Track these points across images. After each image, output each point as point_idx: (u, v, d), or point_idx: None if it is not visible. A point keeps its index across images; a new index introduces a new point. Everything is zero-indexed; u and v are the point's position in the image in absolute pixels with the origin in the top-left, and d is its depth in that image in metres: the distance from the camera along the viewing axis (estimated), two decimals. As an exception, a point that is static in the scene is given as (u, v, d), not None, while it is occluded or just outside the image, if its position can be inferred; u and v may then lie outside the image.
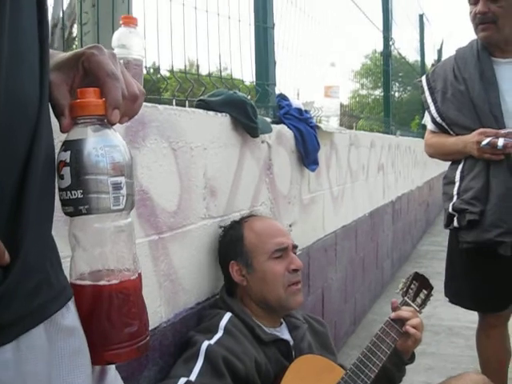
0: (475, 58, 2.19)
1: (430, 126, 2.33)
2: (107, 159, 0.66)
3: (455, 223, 2.18)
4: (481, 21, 2.12)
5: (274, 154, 2.28)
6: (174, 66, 1.92)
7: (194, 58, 2.09)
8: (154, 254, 1.48)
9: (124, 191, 0.67)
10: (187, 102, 1.95)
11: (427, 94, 2.30)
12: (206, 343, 1.45)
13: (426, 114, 2.33)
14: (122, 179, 0.67)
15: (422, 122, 2.47)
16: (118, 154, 0.67)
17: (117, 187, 0.66)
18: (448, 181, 2.26)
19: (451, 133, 2.23)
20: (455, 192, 2.19)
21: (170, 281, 1.56)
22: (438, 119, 2.25)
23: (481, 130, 2.08)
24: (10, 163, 0.56)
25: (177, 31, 1.89)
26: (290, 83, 2.92)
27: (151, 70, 1.89)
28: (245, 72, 2.35)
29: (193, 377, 1.36)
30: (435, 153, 2.36)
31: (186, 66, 2.08)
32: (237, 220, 1.80)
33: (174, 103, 1.88)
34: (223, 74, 2.20)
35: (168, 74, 1.95)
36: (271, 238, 1.68)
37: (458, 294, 2.31)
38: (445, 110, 2.22)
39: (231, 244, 1.71)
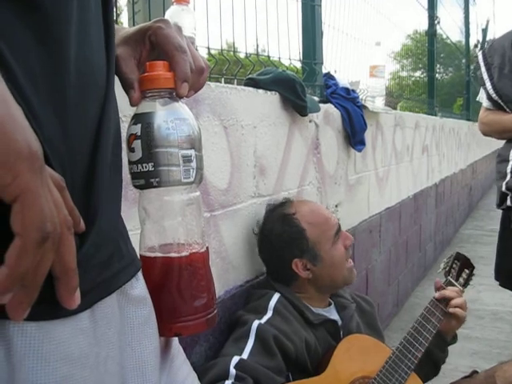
0: None
1: (485, 103, 2.27)
2: (177, 132, 0.65)
3: (508, 202, 2.13)
4: None
5: (321, 133, 2.26)
6: (220, 45, 1.90)
7: (237, 38, 2.08)
8: (206, 231, 1.49)
9: (194, 164, 0.66)
10: (235, 80, 1.94)
11: (483, 69, 2.22)
12: (256, 322, 1.45)
13: (481, 90, 2.27)
14: (192, 152, 0.66)
15: (477, 99, 2.40)
16: (187, 126, 0.67)
17: (187, 160, 0.66)
18: (501, 159, 2.21)
19: (507, 110, 2.17)
20: (509, 170, 2.14)
21: (221, 258, 1.57)
22: (494, 96, 2.18)
23: None
24: (83, 133, 0.56)
25: (223, 10, 1.88)
26: (335, 62, 2.88)
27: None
28: (291, 51, 2.32)
29: (245, 355, 1.37)
30: (490, 131, 2.30)
31: (234, 45, 2.07)
32: (282, 211, 1.67)
33: (222, 81, 1.88)
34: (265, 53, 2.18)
35: (207, 55, 1.94)
36: (327, 224, 1.66)
37: (509, 278, 2.27)
38: (501, 86, 2.16)
39: (292, 242, 1.62)
